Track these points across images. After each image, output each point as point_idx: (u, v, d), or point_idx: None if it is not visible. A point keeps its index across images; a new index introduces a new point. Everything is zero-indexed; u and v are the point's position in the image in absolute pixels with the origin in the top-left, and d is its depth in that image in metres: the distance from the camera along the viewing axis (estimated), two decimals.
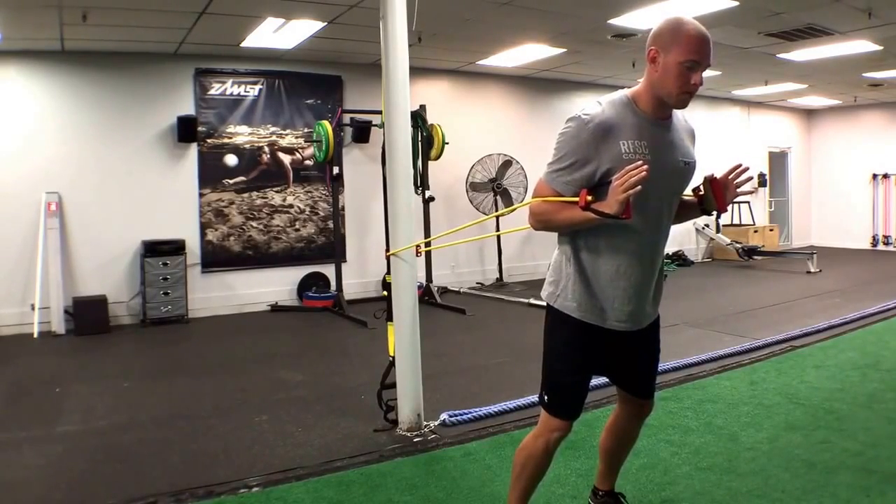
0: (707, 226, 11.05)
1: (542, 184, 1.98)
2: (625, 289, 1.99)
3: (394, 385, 3.54)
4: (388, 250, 3.62)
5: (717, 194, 1.99)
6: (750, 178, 2.01)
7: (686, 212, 2.14)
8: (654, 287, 2.09)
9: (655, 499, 2.68)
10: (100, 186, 6.67)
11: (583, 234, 2.00)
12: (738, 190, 2.01)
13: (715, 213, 2.03)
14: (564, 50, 7.39)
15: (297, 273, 7.63)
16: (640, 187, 1.75)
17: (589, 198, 1.82)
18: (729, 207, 2.05)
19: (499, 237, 8.76)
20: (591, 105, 1.93)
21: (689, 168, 2.02)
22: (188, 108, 7.02)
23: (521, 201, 8.42)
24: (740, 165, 2.01)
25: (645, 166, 1.76)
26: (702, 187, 2.04)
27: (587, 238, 1.99)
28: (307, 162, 7.72)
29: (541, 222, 1.99)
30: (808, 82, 9.68)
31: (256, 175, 7.46)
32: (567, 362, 2.09)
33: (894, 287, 7.68)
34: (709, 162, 3.46)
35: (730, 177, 1.99)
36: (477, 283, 8.77)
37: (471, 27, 6.35)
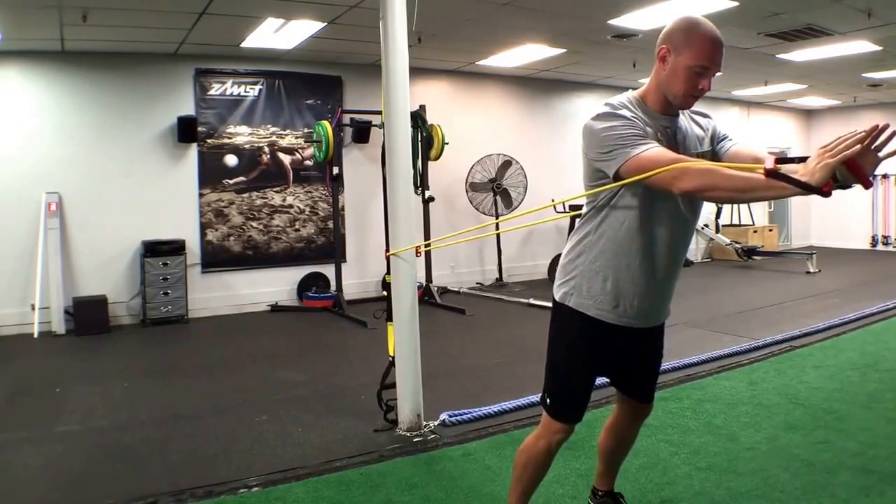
0: (706, 226, 11.04)
1: (649, 155, 1.73)
2: (645, 285, 1.96)
3: (394, 385, 3.55)
4: (387, 250, 3.63)
5: (854, 168, 1.46)
6: (893, 134, 1.48)
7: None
8: (674, 283, 2.07)
9: (655, 499, 2.68)
10: (100, 186, 6.67)
11: (603, 229, 1.95)
12: (881, 154, 1.48)
13: (857, 186, 1.51)
14: (564, 50, 7.39)
15: (296, 273, 7.63)
16: (856, 149, 1.43)
17: (778, 166, 1.52)
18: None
19: (498, 237, 8.77)
20: (602, 107, 1.88)
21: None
22: (188, 109, 7.02)
23: (521, 202, 8.43)
24: (876, 126, 1.47)
25: (861, 131, 1.46)
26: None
27: (608, 233, 1.95)
28: (307, 162, 7.72)
29: (706, 183, 1.64)
30: (807, 83, 9.68)
31: (256, 175, 7.46)
32: (572, 365, 2.08)
33: (894, 287, 7.68)
34: None
35: (866, 142, 1.45)
36: (477, 283, 8.77)
37: (471, 27, 6.35)
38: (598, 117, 1.85)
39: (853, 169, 1.46)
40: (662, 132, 1.90)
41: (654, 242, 1.93)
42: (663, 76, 1.88)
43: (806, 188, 1.47)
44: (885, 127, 1.47)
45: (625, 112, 1.84)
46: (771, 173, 1.51)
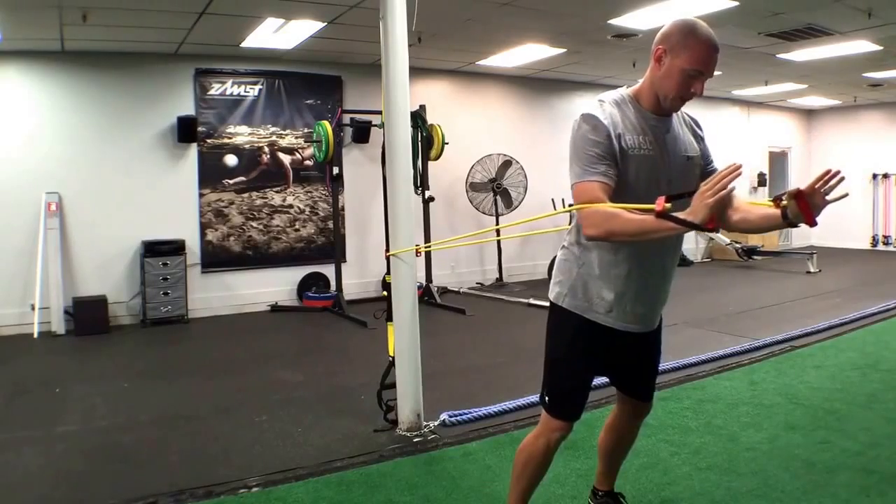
0: None
1: (585, 187, 1.82)
2: (637, 290, 1.97)
3: (394, 385, 3.54)
4: (387, 250, 3.62)
5: (803, 207, 1.62)
6: (841, 180, 1.62)
7: (765, 221, 1.79)
8: (666, 289, 2.07)
9: (655, 499, 2.68)
10: (100, 186, 6.67)
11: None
12: (827, 198, 1.64)
13: (804, 225, 1.66)
14: (564, 50, 7.38)
15: (296, 273, 7.63)
16: (731, 187, 1.60)
17: (667, 205, 1.63)
18: (820, 219, 1.63)
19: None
20: (593, 103, 1.91)
21: (692, 162, 1.99)
22: (188, 109, 7.02)
23: (521, 201, 8.44)
24: (829, 171, 1.63)
25: (739, 167, 1.62)
26: (784, 197, 1.69)
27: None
28: (307, 162, 7.72)
29: (605, 230, 1.77)
30: (808, 82, 9.68)
31: (256, 175, 7.45)
32: (570, 364, 2.08)
33: (894, 287, 7.68)
34: None
35: (816, 185, 1.61)
36: (477, 283, 8.77)
37: (471, 27, 6.35)
38: (584, 119, 1.87)
39: (802, 208, 1.62)
40: (652, 130, 1.91)
41: (643, 249, 1.94)
42: (657, 76, 1.89)
43: (692, 226, 1.63)
44: (836, 173, 1.61)
45: (606, 118, 1.85)
46: (659, 214, 1.63)
